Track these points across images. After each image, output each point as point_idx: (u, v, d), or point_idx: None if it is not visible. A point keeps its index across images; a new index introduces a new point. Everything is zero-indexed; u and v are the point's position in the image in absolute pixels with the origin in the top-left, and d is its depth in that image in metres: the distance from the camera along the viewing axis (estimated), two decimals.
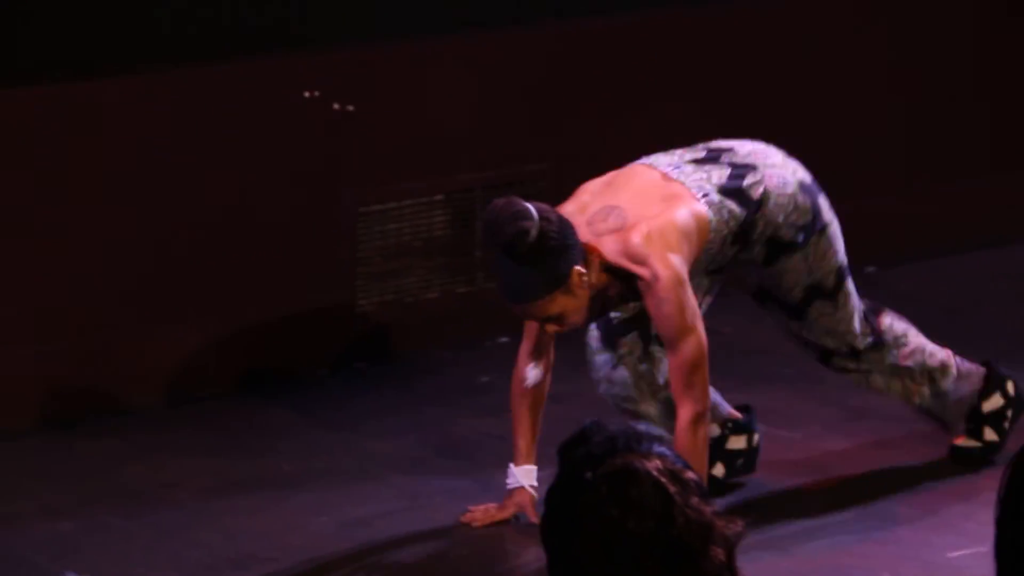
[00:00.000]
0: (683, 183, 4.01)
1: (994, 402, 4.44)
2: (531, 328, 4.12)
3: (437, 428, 4.77)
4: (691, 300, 3.91)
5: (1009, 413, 4.45)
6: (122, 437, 4.68)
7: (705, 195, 4.00)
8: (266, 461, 4.61)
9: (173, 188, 4.89)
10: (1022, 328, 5.36)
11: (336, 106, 4.99)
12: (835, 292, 4.23)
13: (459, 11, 5.19)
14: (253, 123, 4.94)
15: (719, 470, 4.32)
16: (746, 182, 4.06)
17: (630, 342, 4.24)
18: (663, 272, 3.87)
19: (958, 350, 4.57)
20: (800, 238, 4.13)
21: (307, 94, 4.96)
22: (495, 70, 5.27)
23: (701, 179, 4.04)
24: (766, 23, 5.58)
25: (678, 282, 3.88)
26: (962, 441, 4.45)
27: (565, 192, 5.16)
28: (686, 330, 3.90)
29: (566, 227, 3.90)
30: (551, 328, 3.97)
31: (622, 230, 3.92)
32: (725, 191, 4.03)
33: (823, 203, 4.18)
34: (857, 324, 4.27)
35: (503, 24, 5.30)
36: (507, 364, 5.12)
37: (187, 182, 4.90)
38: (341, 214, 5.07)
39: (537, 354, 4.14)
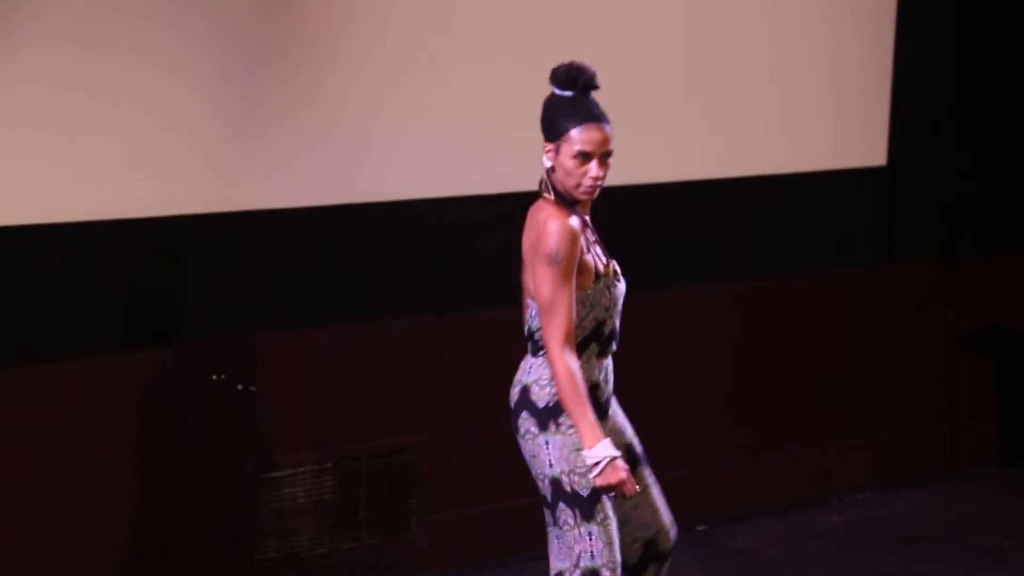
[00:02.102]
0: None
1: None
2: None
3: None
4: None
5: None
6: None
7: None
8: None
9: (96, 459, 4.94)
10: None
11: (240, 386, 5.17)
12: None
13: (344, 306, 5.39)
14: (170, 401, 5.05)
15: None
16: None
17: None
18: None
19: None
20: None
21: (215, 377, 5.13)
22: (377, 354, 5.41)
23: None
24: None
25: None
26: None
27: (442, 460, 5.47)
28: None
29: None
30: (600, 167, 4.04)
31: None
32: None
33: None
34: None
35: (381, 315, 5.46)
36: None
37: (109, 452, 4.95)
38: (243, 480, 5.19)
39: None
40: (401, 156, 5.50)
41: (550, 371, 4.06)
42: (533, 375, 4.13)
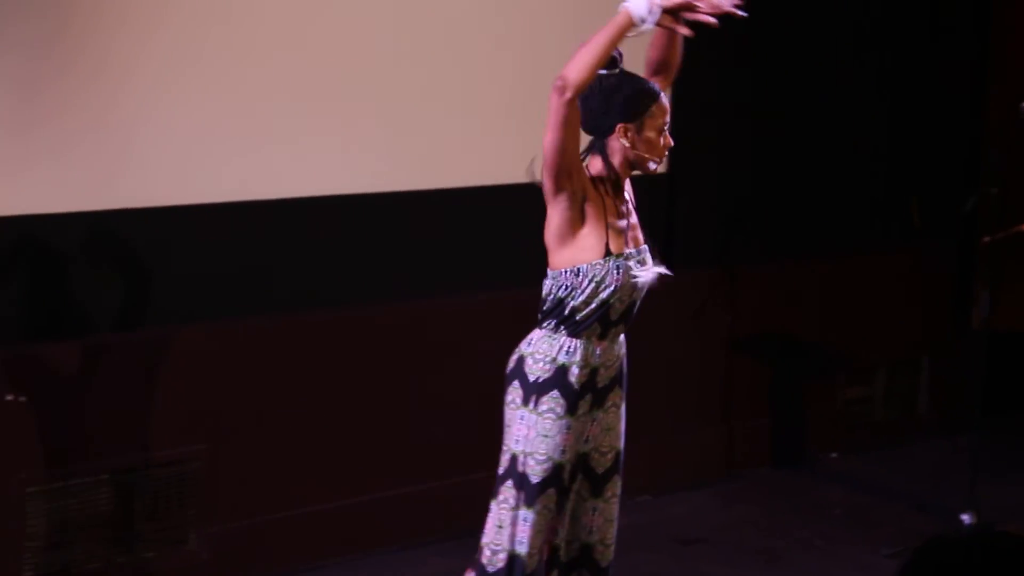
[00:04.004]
0: None
1: None
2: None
3: None
4: None
5: None
6: None
7: None
8: None
9: None
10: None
11: (9, 396, 5.11)
12: None
13: (118, 315, 5.37)
14: None
15: None
16: None
17: None
18: None
19: None
20: None
21: None
22: (153, 363, 5.41)
23: None
24: (431, 324, 5.92)
25: None
26: None
27: (221, 470, 5.46)
28: None
29: None
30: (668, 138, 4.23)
31: None
32: None
33: None
34: None
35: (156, 322, 5.45)
36: None
37: None
38: (12, 493, 5.12)
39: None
40: (170, 160, 5.45)
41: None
42: (532, 347, 4.19)
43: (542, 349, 4.17)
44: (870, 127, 7.51)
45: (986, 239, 6.14)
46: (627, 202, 4.26)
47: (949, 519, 6.35)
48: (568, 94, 3.99)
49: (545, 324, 4.19)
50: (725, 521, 6.48)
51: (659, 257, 4.29)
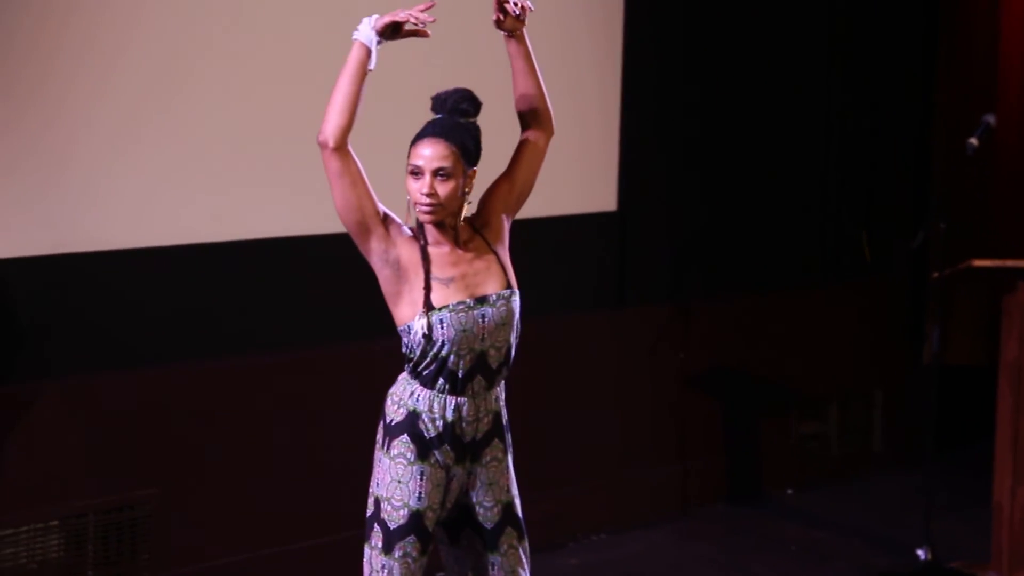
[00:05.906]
0: None
1: None
2: None
3: None
4: None
5: None
6: None
7: None
8: None
9: None
10: None
11: None
12: None
13: (68, 358, 5.32)
14: None
15: None
16: None
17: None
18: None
19: None
20: None
21: None
22: (103, 407, 5.40)
23: None
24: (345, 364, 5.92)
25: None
26: None
27: (173, 515, 5.44)
28: None
29: None
30: (434, 184, 3.92)
31: None
32: None
33: None
34: None
35: (106, 367, 5.40)
36: None
37: None
38: None
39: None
40: (126, 204, 5.44)
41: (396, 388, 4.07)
42: (394, 388, 4.12)
43: (398, 392, 4.10)
44: (820, 162, 7.56)
45: (935, 275, 6.17)
46: (465, 248, 4.06)
47: (905, 554, 6.37)
48: (330, 144, 3.89)
49: (406, 367, 4.10)
50: (680, 559, 6.49)
51: (517, 295, 4.12)
